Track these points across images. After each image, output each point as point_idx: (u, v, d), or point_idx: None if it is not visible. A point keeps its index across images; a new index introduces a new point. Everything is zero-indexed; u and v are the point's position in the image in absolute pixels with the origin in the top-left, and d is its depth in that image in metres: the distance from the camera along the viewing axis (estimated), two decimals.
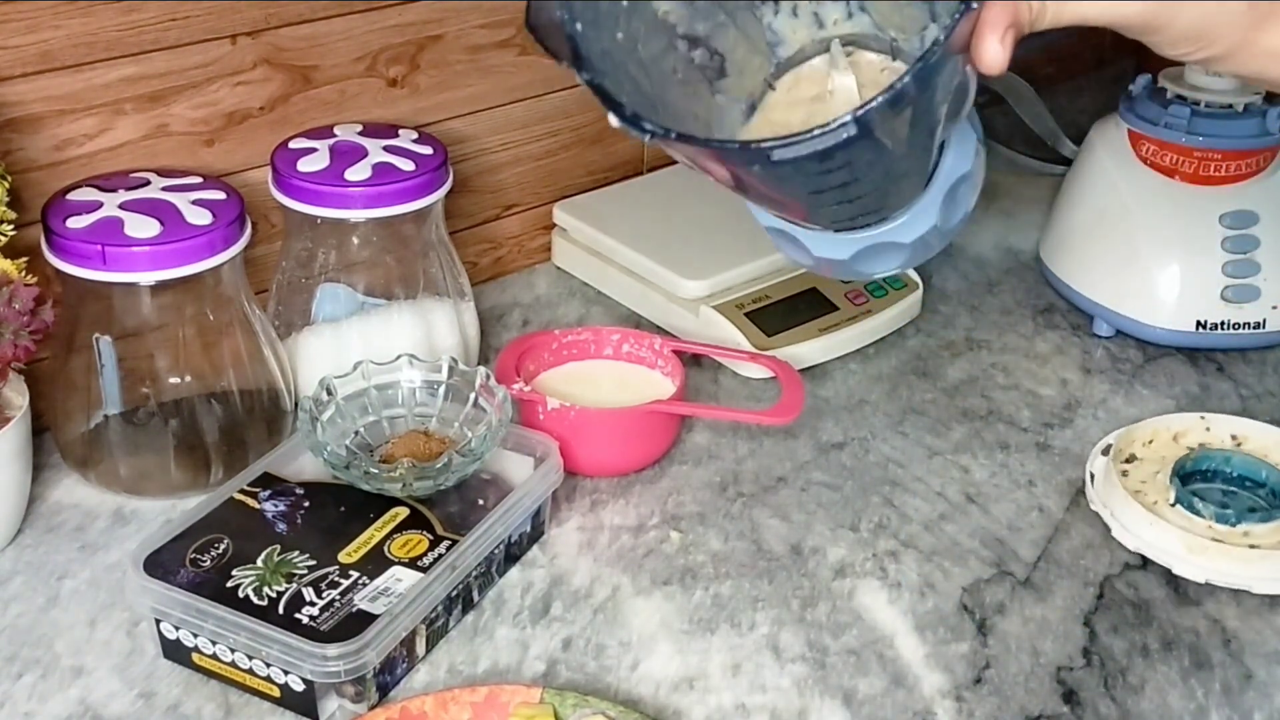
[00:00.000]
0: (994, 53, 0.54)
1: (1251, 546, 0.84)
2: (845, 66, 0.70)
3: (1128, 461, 0.92)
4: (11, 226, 0.82)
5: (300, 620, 0.73)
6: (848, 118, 0.54)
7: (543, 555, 0.86)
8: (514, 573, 0.84)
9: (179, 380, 0.88)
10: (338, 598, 0.74)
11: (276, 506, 0.81)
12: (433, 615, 0.77)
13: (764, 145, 0.55)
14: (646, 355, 0.99)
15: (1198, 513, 0.86)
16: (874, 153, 0.57)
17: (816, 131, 0.55)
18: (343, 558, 0.77)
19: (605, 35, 0.64)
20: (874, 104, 0.54)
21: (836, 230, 0.68)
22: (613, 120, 0.56)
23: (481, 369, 0.89)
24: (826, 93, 0.70)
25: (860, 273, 0.70)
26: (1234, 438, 0.94)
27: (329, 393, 0.87)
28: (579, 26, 0.61)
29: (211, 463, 0.89)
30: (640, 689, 0.76)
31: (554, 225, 1.19)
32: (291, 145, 0.95)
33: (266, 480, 0.83)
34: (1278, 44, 0.58)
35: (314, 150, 0.94)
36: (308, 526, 0.80)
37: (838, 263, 0.69)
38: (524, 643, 0.79)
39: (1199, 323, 1.06)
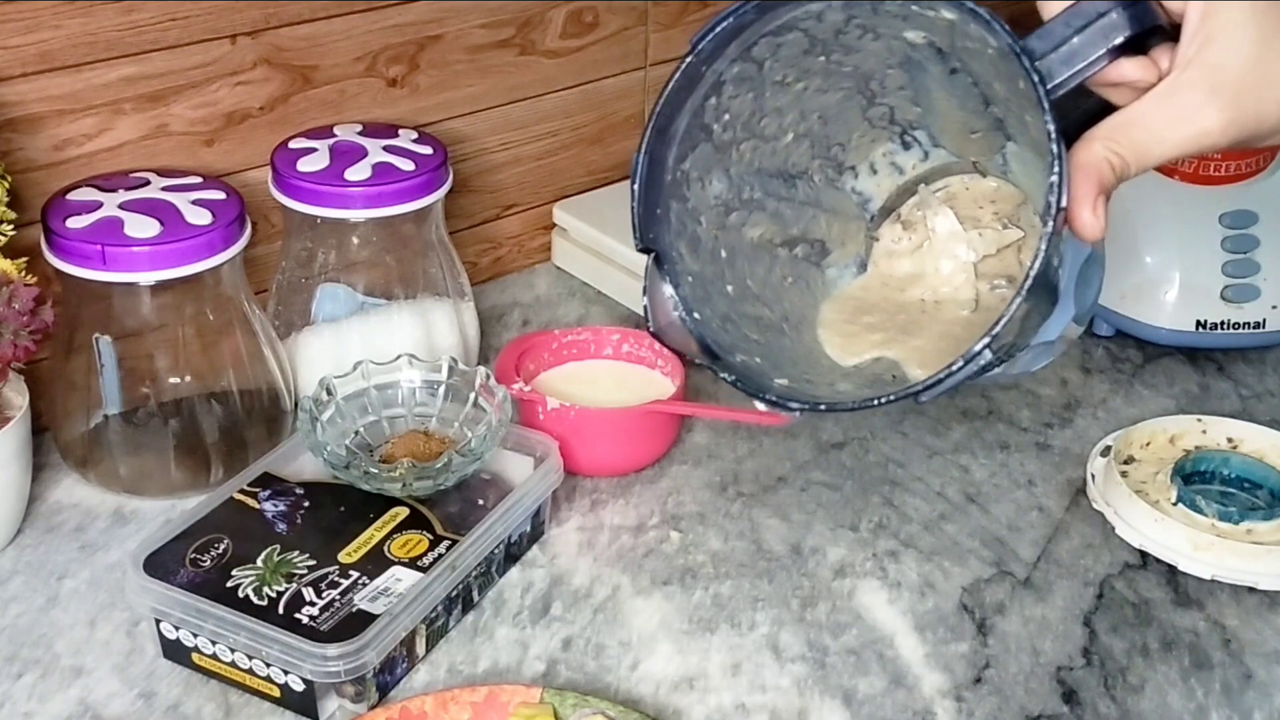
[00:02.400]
0: (1091, 224, 0.56)
1: (1255, 543, 0.84)
2: (937, 206, 0.71)
3: (1126, 463, 0.92)
4: (11, 226, 0.82)
5: (300, 620, 0.73)
6: (981, 345, 0.57)
7: (543, 555, 0.86)
8: (514, 573, 0.84)
9: (179, 380, 0.88)
10: (338, 598, 0.74)
11: (276, 506, 0.81)
12: (433, 615, 0.77)
13: (910, 392, 0.57)
14: (646, 355, 0.99)
15: (1200, 511, 0.86)
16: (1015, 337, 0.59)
17: (957, 366, 0.58)
18: (343, 558, 0.77)
19: (718, 299, 0.68)
20: (999, 327, 0.57)
21: None
22: (760, 405, 0.60)
23: (481, 369, 0.89)
24: (929, 234, 0.72)
25: (1011, 375, 0.71)
26: (1230, 440, 0.94)
27: (329, 393, 0.87)
28: (695, 315, 0.64)
29: (211, 463, 0.89)
30: (640, 689, 0.76)
31: (554, 225, 1.19)
32: (291, 145, 0.95)
33: (266, 480, 0.83)
34: None
35: (314, 150, 0.94)
36: (308, 526, 0.80)
37: (991, 373, 0.70)
38: (524, 643, 0.79)
39: (1199, 322, 1.06)
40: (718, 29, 0.64)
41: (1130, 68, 0.58)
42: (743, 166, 0.70)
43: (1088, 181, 0.56)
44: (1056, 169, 0.56)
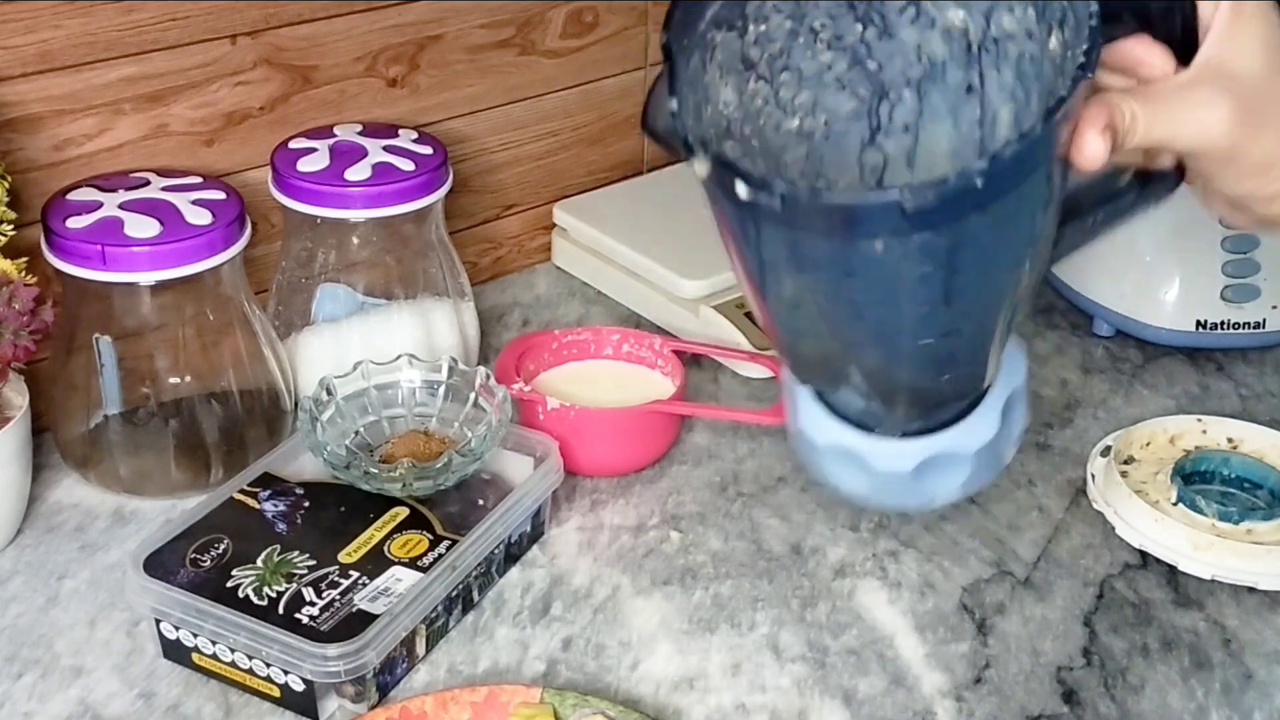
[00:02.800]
0: (1095, 145, 0.55)
1: (1255, 543, 0.84)
2: None
3: (1126, 463, 0.92)
4: (11, 226, 0.82)
5: (300, 620, 0.73)
6: (982, 163, 0.53)
7: (543, 555, 0.86)
8: (514, 573, 0.84)
9: (179, 380, 0.88)
10: (338, 598, 0.74)
11: (276, 506, 0.81)
12: (433, 615, 0.77)
13: (894, 197, 0.53)
14: (646, 355, 0.99)
15: (1200, 511, 0.86)
16: (991, 233, 0.56)
17: (952, 177, 0.53)
18: (343, 558, 0.78)
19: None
20: (1007, 148, 0.54)
21: (911, 421, 0.68)
22: (741, 190, 0.55)
23: (481, 369, 0.89)
24: None
25: (922, 493, 0.70)
26: (1230, 440, 0.94)
27: (329, 393, 0.87)
28: (689, 125, 0.61)
29: (211, 463, 0.89)
30: (640, 689, 0.76)
31: (554, 225, 1.19)
32: (291, 145, 0.95)
33: (266, 480, 0.83)
34: None
35: (314, 150, 0.94)
36: (308, 526, 0.80)
37: (900, 478, 0.69)
38: (524, 643, 0.79)
39: (1199, 322, 1.06)
40: None
41: (1156, 51, 0.58)
42: (752, 107, 0.69)
43: (1102, 111, 0.56)
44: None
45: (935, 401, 0.67)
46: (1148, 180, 0.64)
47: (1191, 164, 0.60)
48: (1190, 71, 0.58)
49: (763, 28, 0.67)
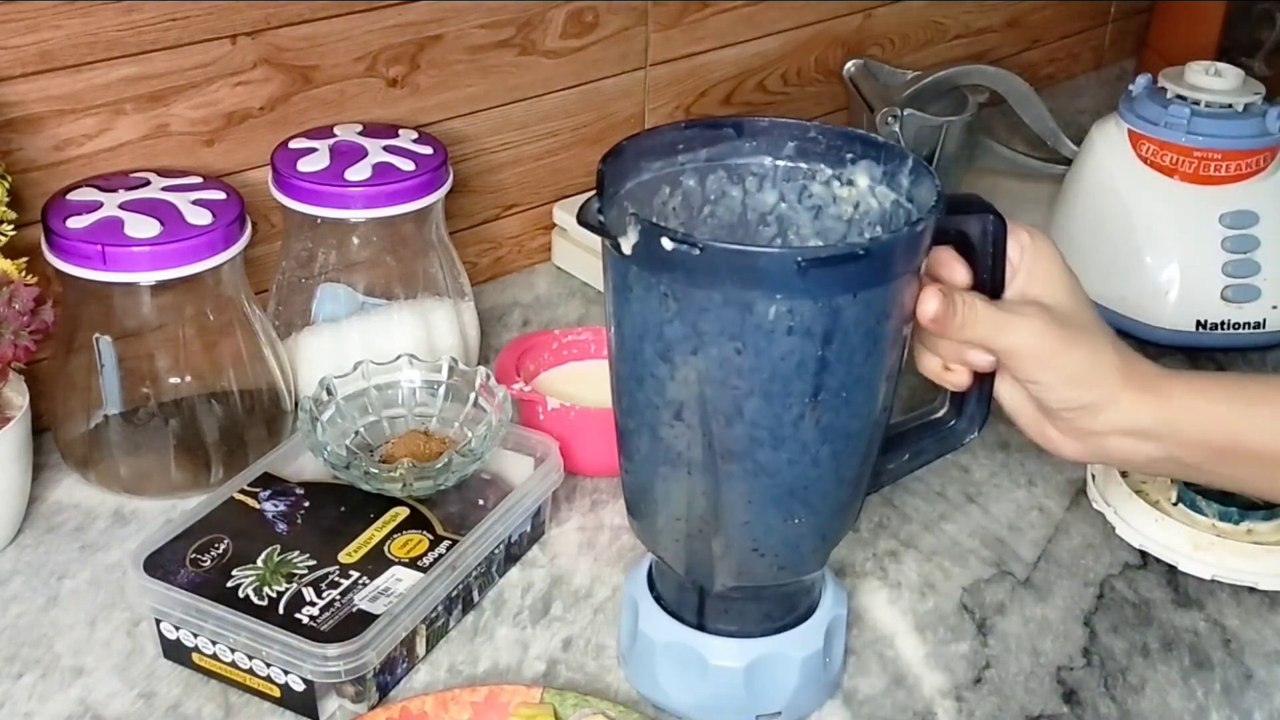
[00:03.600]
0: (933, 301, 0.64)
1: (1255, 543, 0.84)
2: None
3: None
4: (11, 226, 0.82)
5: (300, 620, 0.73)
6: (865, 241, 0.63)
7: (543, 555, 0.86)
8: (514, 573, 0.84)
9: (179, 380, 0.88)
10: (338, 598, 0.74)
11: (276, 506, 0.81)
12: (433, 615, 0.77)
13: (799, 252, 0.61)
14: None
15: (1200, 511, 0.86)
16: (857, 334, 0.62)
17: (842, 246, 0.66)
18: (343, 558, 0.78)
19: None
20: (883, 235, 0.66)
21: (746, 607, 0.72)
22: (667, 243, 0.61)
23: (481, 369, 0.89)
24: None
25: (750, 704, 0.73)
26: None
27: (329, 393, 0.87)
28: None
29: (211, 463, 0.89)
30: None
31: (554, 225, 1.19)
32: (291, 145, 0.95)
33: (266, 480, 0.83)
34: (1134, 404, 0.68)
35: (314, 150, 0.94)
36: (308, 526, 0.80)
37: (733, 677, 0.72)
38: (524, 643, 0.79)
39: (1199, 323, 1.06)
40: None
41: (960, 263, 0.67)
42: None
43: (940, 285, 0.65)
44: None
45: (776, 555, 0.70)
46: (961, 411, 0.73)
47: (1017, 367, 0.68)
48: (1009, 296, 0.68)
49: (665, 247, 0.69)
